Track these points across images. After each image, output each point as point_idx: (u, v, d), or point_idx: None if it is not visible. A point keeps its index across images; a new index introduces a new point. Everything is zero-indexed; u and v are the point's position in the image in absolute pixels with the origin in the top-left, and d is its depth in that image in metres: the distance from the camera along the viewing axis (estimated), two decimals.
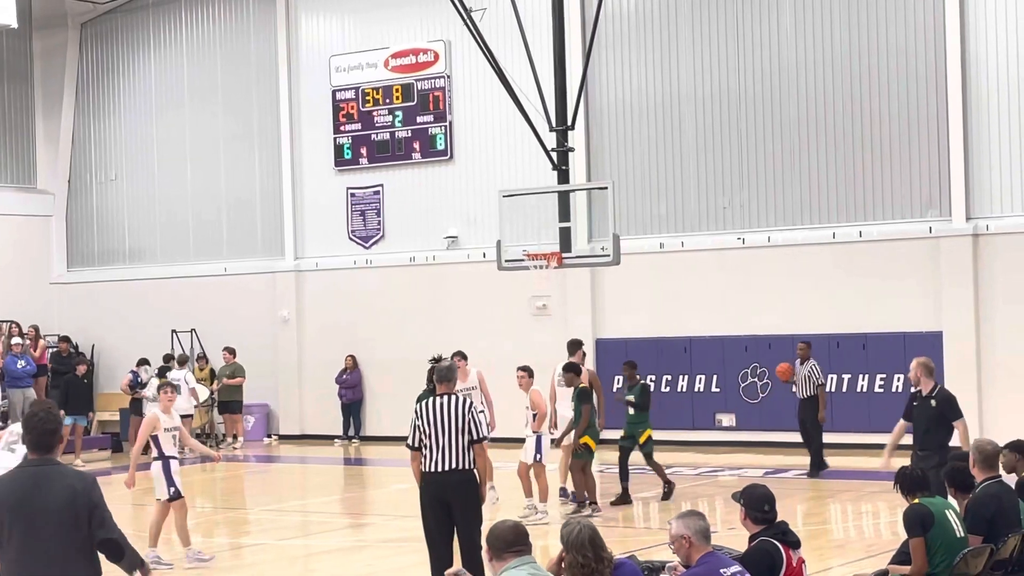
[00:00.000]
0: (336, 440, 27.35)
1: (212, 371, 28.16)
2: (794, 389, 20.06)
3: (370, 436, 27.20)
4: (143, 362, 26.80)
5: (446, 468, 10.66)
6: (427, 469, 10.75)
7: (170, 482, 13.81)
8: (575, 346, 17.94)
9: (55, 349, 28.00)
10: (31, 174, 31.61)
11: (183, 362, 27.21)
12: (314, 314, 28.31)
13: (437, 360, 17.09)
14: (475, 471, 10.80)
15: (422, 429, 10.75)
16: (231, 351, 27.64)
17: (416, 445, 10.80)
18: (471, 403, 11.03)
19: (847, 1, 22.84)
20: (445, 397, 10.85)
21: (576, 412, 16.46)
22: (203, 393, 27.47)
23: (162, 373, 27.25)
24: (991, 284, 21.66)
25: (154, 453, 14.08)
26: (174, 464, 13.97)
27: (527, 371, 16.65)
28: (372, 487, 21.13)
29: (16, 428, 15.29)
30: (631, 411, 17.61)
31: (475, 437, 10.72)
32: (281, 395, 28.62)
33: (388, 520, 17.75)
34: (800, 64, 23.24)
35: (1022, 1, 21.44)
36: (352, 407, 27.44)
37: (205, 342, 28.91)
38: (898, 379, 22.00)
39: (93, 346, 30.51)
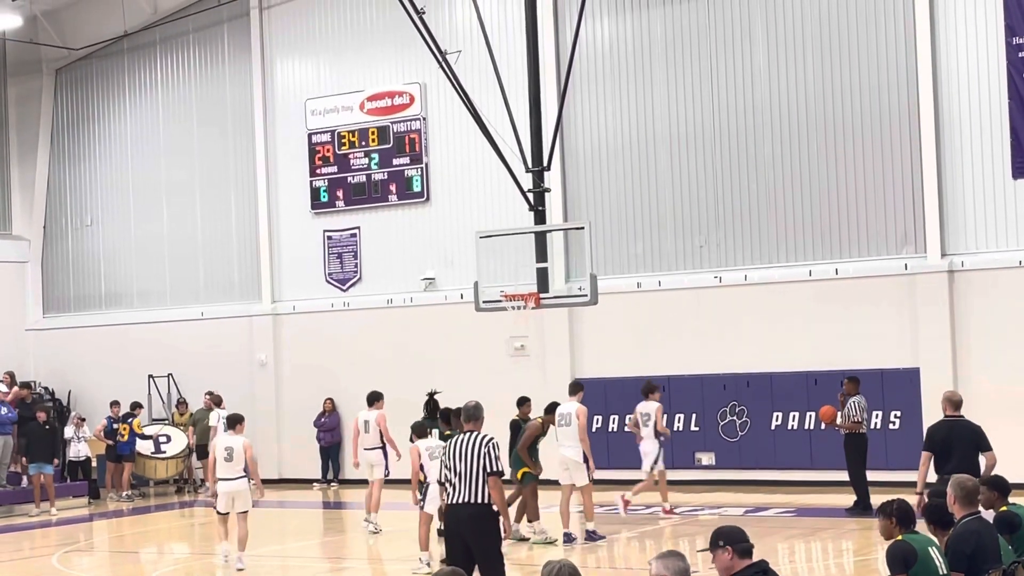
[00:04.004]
0: (315, 484, 27.19)
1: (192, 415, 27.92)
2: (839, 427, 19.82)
3: (349, 479, 27.05)
4: (115, 404, 26.60)
5: (460, 501, 11.03)
6: (447, 502, 11.24)
7: None
8: (578, 387, 18.22)
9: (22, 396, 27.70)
10: (6, 220, 31.52)
11: (218, 402, 26.79)
12: (292, 357, 28.21)
13: (432, 395, 17.21)
14: (492, 505, 11.04)
15: (446, 464, 11.21)
16: (213, 397, 27.37)
17: (442, 480, 11.32)
18: (491, 439, 11.30)
19: (820, 40, 23.01)
20: (469, 434, 11.29)
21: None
22: (181, 441, 27.28)
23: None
24: (967, 320, 21.73)
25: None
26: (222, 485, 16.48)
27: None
28: (351, 531, 20.97)
29: None
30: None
31: (489, 470, 10.98)
32: (259, 439, 28.30)
33: (368, 564, 17.64)
34: (774, 103, 23.37)
35: (993, 39, 21.62)
36: (331, 450, 27.31)
37: (183, 387, 28.76)
38: (876, 416, 21.99)
39: (70, 392, 30.31)
